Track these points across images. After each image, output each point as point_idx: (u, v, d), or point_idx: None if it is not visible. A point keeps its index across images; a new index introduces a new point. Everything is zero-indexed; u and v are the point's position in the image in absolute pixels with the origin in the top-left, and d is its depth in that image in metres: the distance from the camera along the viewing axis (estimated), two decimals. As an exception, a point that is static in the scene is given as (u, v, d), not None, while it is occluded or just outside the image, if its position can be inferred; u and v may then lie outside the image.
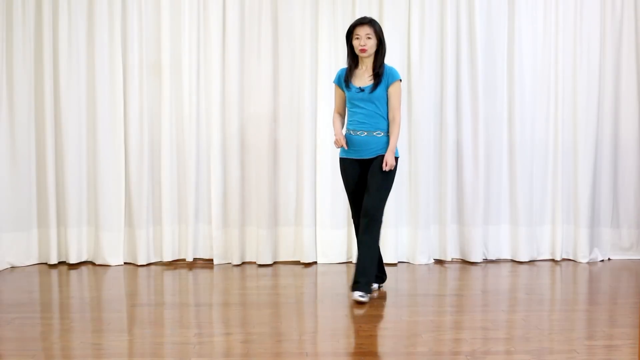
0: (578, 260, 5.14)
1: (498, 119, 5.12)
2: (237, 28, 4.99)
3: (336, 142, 4.01)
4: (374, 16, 4.87)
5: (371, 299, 4.03)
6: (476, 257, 5.08)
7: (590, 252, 5.15)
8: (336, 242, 5.06)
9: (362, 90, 3.99)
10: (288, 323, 3.60)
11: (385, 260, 4.65)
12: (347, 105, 4.11)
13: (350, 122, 4.06)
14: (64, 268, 4.93)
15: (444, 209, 5.11)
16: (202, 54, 5.03)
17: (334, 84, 4.17)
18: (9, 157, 4.90)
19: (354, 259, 4.60)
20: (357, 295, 3.91)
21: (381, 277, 4.29)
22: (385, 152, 3.97)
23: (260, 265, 5.01)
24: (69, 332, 3.43)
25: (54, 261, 4.96)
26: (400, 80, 4.03)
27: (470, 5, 5.05)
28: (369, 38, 3.95)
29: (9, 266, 4.91)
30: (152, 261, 5.06)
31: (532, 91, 5.13)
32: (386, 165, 3.92)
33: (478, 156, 5.07)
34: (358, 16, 4.75)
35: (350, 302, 3.96)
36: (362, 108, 4.00)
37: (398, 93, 3.99)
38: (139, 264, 4.99)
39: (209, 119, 5.03)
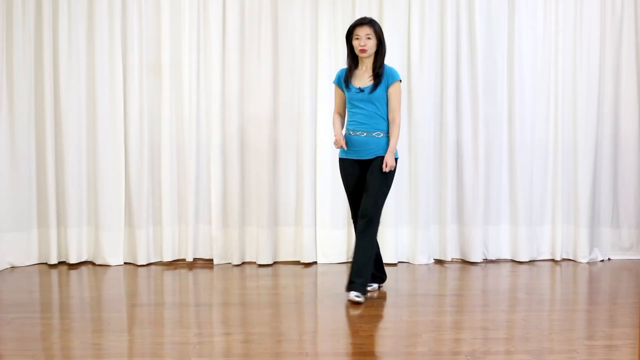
0: (578, 260, 5.14)
1: (498, 119, 5.12)
2: (237, 28, 4.99)
3: (336, 143, 4.01)
4: (374, 16, 4.87)
5: (367, 299, 4.03)
6: (476, 257, 5.08)
7: (590, 252, 5.15)
8: (336, 242, 5.06)
9: (361, 90, 3.99)
10: (288, 323, 3.60)
11: (385, 260, 4.65)
12: (347, 105, 4.11)
13: (350, 123, 4.06)
14: (64, 268, 4.93)
15: (444, 209, 5.11)
16: (202, 54, 5.03)
17: (333, 85, 4.17)
18: (9, 157, 4.90)
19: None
20: (353, 295, 3.91)
21: (381, 277, 4.29)
22: (385, 153, 3.97)
23: (260, 265, 5.01)
24: (69, 332, 3.43)
25: (54, 261, 4.96)
26: (400, 80, 4.02)
27: (470, 5, 5.05)
28: (368, 38, 3.95)
29: (9, 266, 4.91)
30: (152, 261, 5.06)
31: (532, 91, 5.13)
32: (386, 166, 3.92)
33: (478, 156, 5.07)
34: (358, 16, 4.76)
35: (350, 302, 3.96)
36: (362, 108, 3.99)
37: (398, 94, 3.99)
38: (139, 264, 4.99)
39: (209, 119, 5.03)
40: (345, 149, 4.03)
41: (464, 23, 5.05)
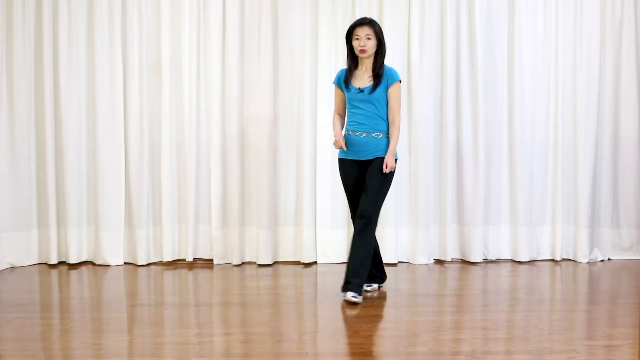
0: (578, 260, 5.14)
1: (498, 119, 5.12)
2: (237, 28, 4.99)
3: (335, 143, 4.00)
4: (374, 16, 4.87)
5: (365, 299, 4.03)
6: (476, 257, 5.08)
7: (590, 252, 5.15)
8: (336, 242, 5.06)
9: (361, 91, 3.98)
10: (288, 323, 3.61)
11: (385, 260, 4.65)
12: (346, 106, 4.11)
13: (350, 123, 4.06)
14: (64, 268, 4.93)
15: (444, 209, 5.11)
16: (202, 54, 5.03)
17: (333, 85, 4.17)
18: (9, 157, 4.90)
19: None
20: (350, 295, 3.91)
21: (381, 277, 4.29)
22: (384, 153, 3.96)
23: (260, 265, 5.01)
24: (69, 332, 3.43)
25: (54, 261, 4.96)
26: (400, 81, 4.02)
27: (470, 5, 5.05)
28: (368, 39, 3.95)
29: (9, 266, 4.91)
30: (152, 261, 5.06)
31: (532, 91, 5.13)
32: (386, 167, 3.91)
33: (478, 156, 5.07)
34: (358, 16, 4.75)
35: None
36: (362, 109, 3.99)
37: (398, 94, 3.99)
38: (139, 264, 4.99)
39: (209, 119, 5.03)
40: (345, 149, 4.03)
41: (464, 23, 5.05)
